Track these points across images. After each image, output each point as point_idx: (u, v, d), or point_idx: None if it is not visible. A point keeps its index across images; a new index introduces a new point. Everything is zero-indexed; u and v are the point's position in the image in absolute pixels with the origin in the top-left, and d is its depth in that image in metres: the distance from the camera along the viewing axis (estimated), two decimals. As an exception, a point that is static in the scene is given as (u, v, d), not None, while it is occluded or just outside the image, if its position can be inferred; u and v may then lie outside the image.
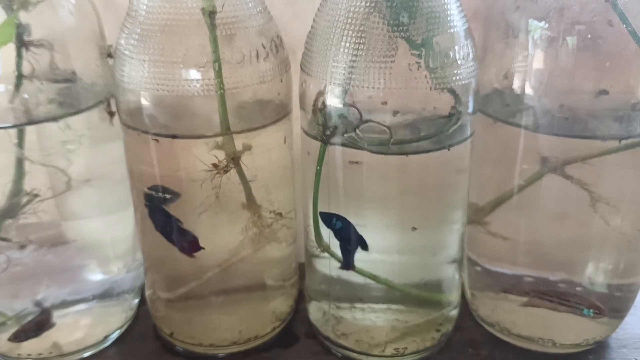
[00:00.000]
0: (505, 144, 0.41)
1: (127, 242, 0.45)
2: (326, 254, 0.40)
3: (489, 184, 0.43)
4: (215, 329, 0.42)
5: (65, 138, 0.38)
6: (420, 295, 0.41)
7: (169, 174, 0.37)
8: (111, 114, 0.40)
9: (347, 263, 0.39)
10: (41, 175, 0.38)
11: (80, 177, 0.39)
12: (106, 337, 0.44)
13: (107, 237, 0.43)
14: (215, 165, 0.36)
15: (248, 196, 0.39)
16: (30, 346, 0.41)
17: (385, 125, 0.34)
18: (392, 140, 0.34)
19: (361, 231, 0.38)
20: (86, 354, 0.43)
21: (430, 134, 0.35)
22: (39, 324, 0.41)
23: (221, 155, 0.36)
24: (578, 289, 0.42)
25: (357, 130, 0.35)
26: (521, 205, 0.41)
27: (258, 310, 0.43)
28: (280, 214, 0.41)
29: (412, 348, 0.42)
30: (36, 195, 0.38)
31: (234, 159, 0.37)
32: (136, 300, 0.47)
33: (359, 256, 0.39)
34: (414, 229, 0.38)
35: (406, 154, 0.35)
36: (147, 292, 0.44)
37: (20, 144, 0.37)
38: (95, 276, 0.43)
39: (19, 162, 0.38)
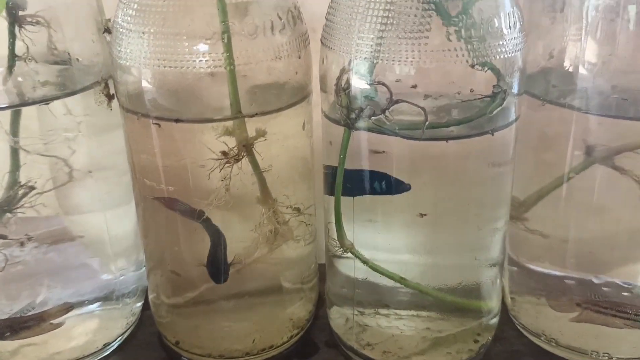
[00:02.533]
0: (548, 131, 0.37)
1: (128, 239, 0.42)
2: (350, 254, 0.36)
3: (531, 175, 0.39)
4: (226, 337, 0.38)
5: (62, 125, 0.35)
6: (456, 302, 0.36)
7: (173, 164, 0.33)
8: (109, 96, 0.36)
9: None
10: (41, 166, 0.35)
11: (82, 167, 0.37)
12: (106, 346, 0.40)
13: (107, 233, 0.40)
14: (224, 153, 0.32)
15: (262, 189, 0.35)
16: (28, 354, 0.38)
17: (419, 106, 0.30)
18: (427, 123, 0.30)
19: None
20: (83, 365, 0.40)
21: (472, 116, 0.31)
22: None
23: (231, 142, 0.32)
24: (625, 293, 0.37)
25: (387, 112, 0.30)
26: (564, 199, 0.37)
27: (274, 317, 0.39)
28: (298, 209, 0.37)
29: (447, 361, 0.37)
30: (32, 188, 0.35)
31: (246, 147, 0.33)
32: (139, 305, 0.43)
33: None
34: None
35: (444, 139, 0.31)
36: (151, 296, 0.41)
37: (15, 131, 0.34)
38: (99, 277, 0.40)
39: (14, 152, 0.35)
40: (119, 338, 0.41)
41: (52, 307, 0.38)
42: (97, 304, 0.40)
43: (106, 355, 0.40)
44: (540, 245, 0.39)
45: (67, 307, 0.39)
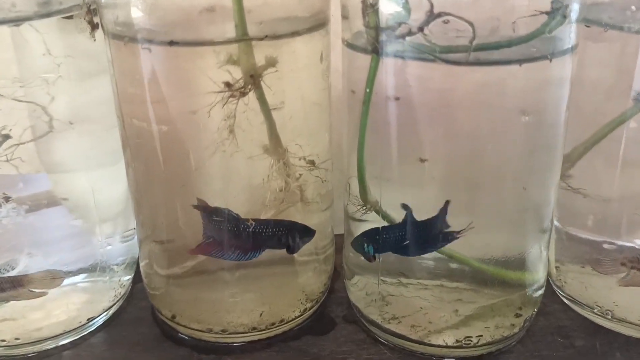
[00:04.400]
0: (596, 72, 0.33)
1: (117, 204, 0.38)
2: (374, 214, 0.32)
3: (576, 124, 0.34)
4: (230, 310, 0.35)
5: (41, 66, 0.32)
6: (496, 273, 0.32)
7: (165, 99, 0.29)
8: (92, 24, 0.32)
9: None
10: (18, 112, 0.32)
11: (62, 117, 0.33)
12: (90, 320, 0.37)
13: (92, 196, 0.36)
14: (228, 84, 0.28)
15: (271, 133, 0.30)
16: (3, 331, 0.36)
17: (467, 21, 0.25)
18: (474, 43, 0.25)
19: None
20: (63, 342, 0.36)
21: (527, 36, 0.26)
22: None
23: (236, 72, 0.28)
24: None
25: (426, 30, 0.25)
26: (608, 153, 0.34)
27: (284, 288, 0.36)
28: (312, 162, 0.33)
29: (486, 337, 0.33)
30: (7, 136, 0.32)
31: (254, 77, 0.28)
32: (128, 277, 0.40)
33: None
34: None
35: (491, 64, 0.26)
36: (142, 264, 0.37)
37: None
38: (84, 245, 0.37)
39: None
40: (105, 312, 0.38)
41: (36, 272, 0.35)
42: (81, 275, 0.37)
43: (91, 332, 0.37)
44: (584, 206, 0.36)
45: (53, 277, 0.35)
